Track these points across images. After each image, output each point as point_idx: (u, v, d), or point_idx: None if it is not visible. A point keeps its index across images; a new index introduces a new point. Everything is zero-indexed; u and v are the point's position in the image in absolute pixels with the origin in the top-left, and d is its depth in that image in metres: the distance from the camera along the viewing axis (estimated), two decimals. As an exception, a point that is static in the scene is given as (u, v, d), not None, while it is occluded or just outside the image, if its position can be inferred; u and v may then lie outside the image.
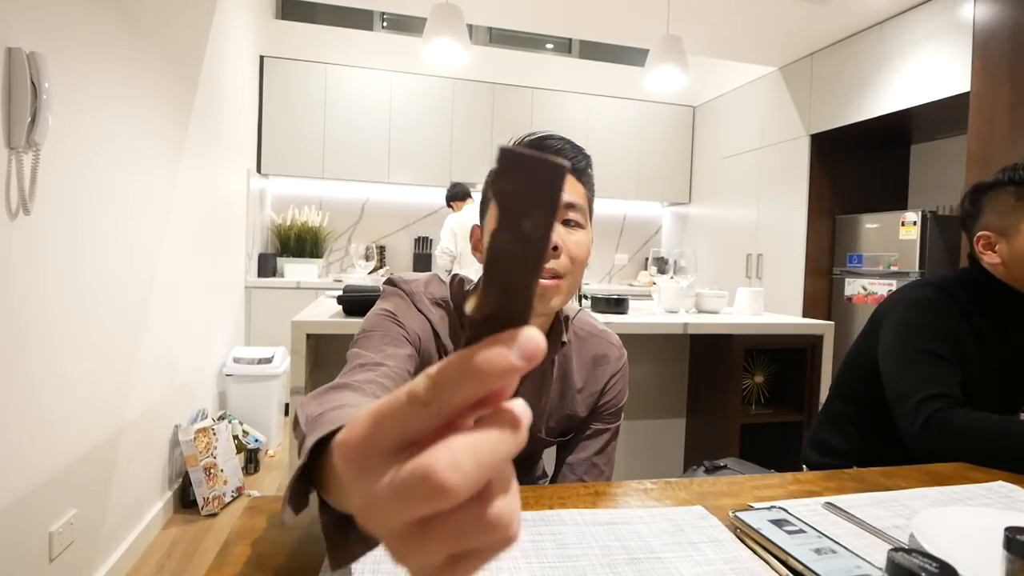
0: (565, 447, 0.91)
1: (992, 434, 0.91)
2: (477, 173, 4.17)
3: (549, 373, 0.86)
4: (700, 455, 2.05)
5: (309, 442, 0.38)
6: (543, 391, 0.86)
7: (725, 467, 1.31)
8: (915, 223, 2.96)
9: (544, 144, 0.80)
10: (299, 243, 3.98)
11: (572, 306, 0.94)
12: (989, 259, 1.10)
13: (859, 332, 1.25)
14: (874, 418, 1.16)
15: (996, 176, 1.10)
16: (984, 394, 1.08)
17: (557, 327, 0.85)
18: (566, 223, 0.78)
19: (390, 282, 0.86)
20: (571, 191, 0.78)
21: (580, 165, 0.80)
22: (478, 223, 0.86)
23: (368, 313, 0.82)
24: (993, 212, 1.09)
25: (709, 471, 1.29)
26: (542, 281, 0.74)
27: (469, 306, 0.22)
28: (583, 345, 0.90)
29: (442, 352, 0.81)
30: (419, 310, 0.81)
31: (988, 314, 1.10)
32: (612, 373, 0.91)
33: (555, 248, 0.75)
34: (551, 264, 0.75)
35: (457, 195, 3.74)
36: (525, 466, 0.99)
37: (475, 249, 0.85)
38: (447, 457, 0.19)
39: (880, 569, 0.51)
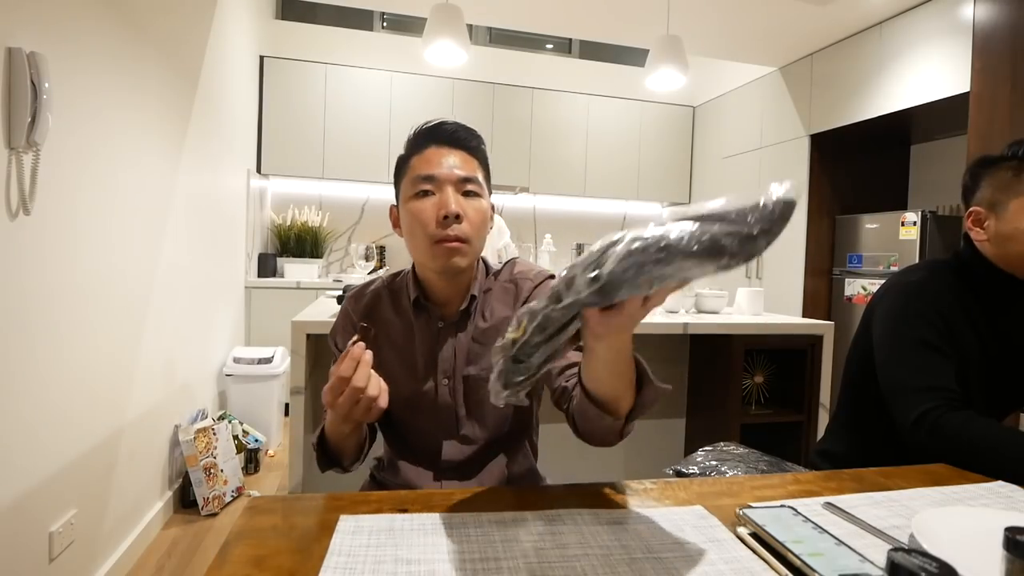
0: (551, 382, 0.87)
1: (984, 447, 0.90)
2: (477, 173, 4.19)
3: (459, 327, 0.94)
4: (700, 455, 2.05)
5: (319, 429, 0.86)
6: (443, 341, 0.94)
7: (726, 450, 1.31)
8: (915, 223, 2.96)
9: (439, 128, 0.91)
10: (299, 243, 3.97)
11: (502, 259, 1.03)
12: (976, 235, 1.08)
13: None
14: (881, 420, 1.13)
15: (1002, 151, 1.07)
16: (980, 382, 1.06)
17: (474, 282, 0.95)
18: (466, 193, 0.88)
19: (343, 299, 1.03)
20: (466, 167, 0.89)
21: (473, 144, 0.92)
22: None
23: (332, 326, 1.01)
24: (988, 187, 1.06)
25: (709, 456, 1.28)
26: (447, 244, 0.85)
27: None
28: (506, 288, 0.98)
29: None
30: (350, 322, 0.97)
31: (979, 297, 1.08)
32: (531, 288, 0.96)
33: (457, 216, 0.85)
34: (454, 230, 0.85)
35: None
36: (508, 434, 0.97)
37: (394, 226, 0.95)
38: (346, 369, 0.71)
39: (880, 569, 0.51)
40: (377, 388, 0.73)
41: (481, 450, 0.95)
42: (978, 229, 1.08)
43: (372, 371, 0.72)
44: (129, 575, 1.81)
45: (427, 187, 0.87)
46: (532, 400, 1.01)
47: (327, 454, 0.86)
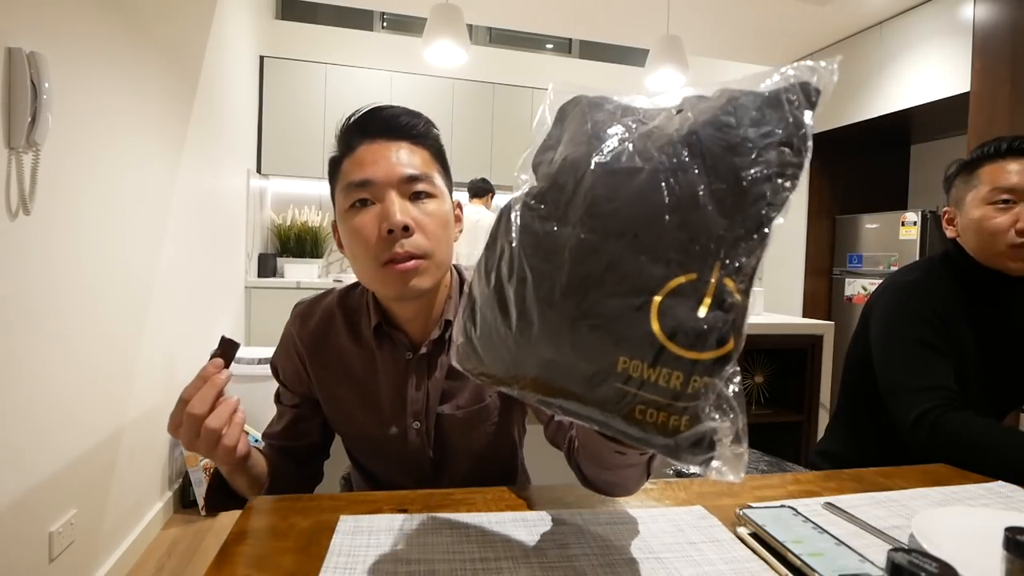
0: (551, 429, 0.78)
1: (983, 446, 0.90)
2: (477, 173, 4.18)
3: (431, 359, 0.79)
4: (700, 455, 2.05)
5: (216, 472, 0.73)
6: (413, 376, 0.79)
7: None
8: (915, 223, 2.96)
9: (372, 117, 0.73)
10: (299, 243, 3.98)
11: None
12: (949, 233, 1.14)
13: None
14: (880, 420, 1.13)
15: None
16: (978, 380, 1.06)
17: (448, 305, 0.79)
18: (415, 196, 0.71)
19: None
20: (412, 161, 0.71)
21: (419, 130, 0.74)
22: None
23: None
24: (955, 187, 1.14)
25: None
26: (398, 267, 0.68)
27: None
28: None
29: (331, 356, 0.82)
30: (294, 349, 0.83)
31: (970, 293, 1.10)
32: None
33: (405, 228, 0.68)
34: (405, 247, 0.68)
35: (476, 192, 3.76)
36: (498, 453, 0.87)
37: (339, 247, 0.79)
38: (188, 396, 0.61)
39: (880, 569, 0.51)
40: (222, 420, 0.59)
41: None
42: (951, 228, 1.15)
43: (230, 397, 0.61)
44: (129, 575, 1.81)
45: (363, 195, 0.70)
46: (516, 430, 0.87)
47: (224, 489, 0.73)
